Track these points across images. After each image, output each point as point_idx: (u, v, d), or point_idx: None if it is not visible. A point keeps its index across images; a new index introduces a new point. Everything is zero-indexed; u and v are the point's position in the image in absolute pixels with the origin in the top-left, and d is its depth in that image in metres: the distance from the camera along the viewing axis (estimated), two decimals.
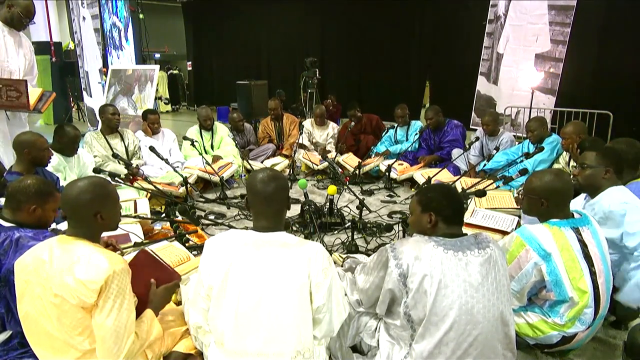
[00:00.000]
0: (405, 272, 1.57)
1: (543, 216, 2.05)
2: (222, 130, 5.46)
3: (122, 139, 4.56)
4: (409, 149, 5.23)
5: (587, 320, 1.94)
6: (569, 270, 1.90)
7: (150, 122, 4.94)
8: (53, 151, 3.30)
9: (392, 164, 4.80)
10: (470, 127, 7.13)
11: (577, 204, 2.57)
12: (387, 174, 4.79)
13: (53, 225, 2.50)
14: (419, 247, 1.59)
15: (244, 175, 5.17)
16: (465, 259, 1.57)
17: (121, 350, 1.51)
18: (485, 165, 4.44)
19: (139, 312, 1.70)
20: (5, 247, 1.82)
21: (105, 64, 8.65)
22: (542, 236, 1.93)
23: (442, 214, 1.70)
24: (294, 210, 3.51)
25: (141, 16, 8.54)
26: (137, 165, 4.50)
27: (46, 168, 3.17)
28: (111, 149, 4.40)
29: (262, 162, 5.39)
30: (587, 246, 1.94)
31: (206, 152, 5.17)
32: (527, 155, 3.71)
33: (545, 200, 2.00)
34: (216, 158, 5.04)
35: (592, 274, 1.92)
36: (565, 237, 1.93)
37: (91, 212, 1.62)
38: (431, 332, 1.55)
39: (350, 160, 5.25)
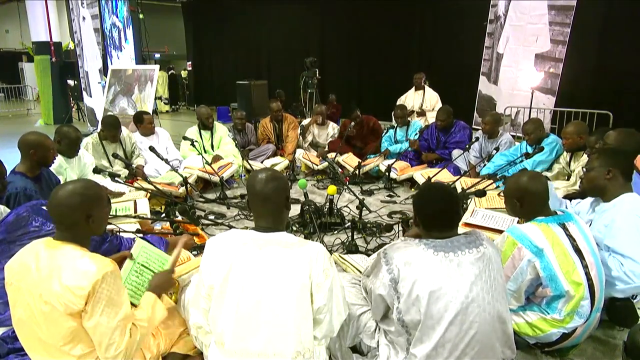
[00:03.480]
0: (396, 277, 1.58)
1: (523, 216, 2.12)
2: (221, 129, 5.47)
3: (120, 142, 4.54)
4: (409, 149, 5.23)
5: (585, 312, 1.97)
6: (562, 264, 1.93)
7: (148, 122, 4.94)
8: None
9: (392, 164, 4.80)
10: (472, 127, 7.14)
11: (583, 208, 2.58)
12: (387, 174, 4.79)
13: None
14: (409, 252, 1.59)
15: (244, 175, 5.17)
16: (456, 259, 1.57)
17: (119, 348, 1.50)
18: (484, 166, 4.44)
19: None
20: None
21: (105, 64, 8.66)
22: (532, 233, 1.96)
23: (421, 216, 1.71)
24: (294, 210, 3.51)
25: (141, 16, 8.54)
26: (138, 165, 4.50)
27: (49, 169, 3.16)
28: (105, 153, 4.39)
29: (262, 162, 5.39)
30: (576, 240, 1.98)
31: (206, 152, 5.17)
32: (527, 156, 3.71)
33: (518, 202, 2.07)
34: (216, 158, 5.04)
35: (584, 266, 1.96)
36: (554, 232, 1.97)
37: (82, 215, 1.58)
38: (428, 335, 1.55)
39: (350, 160, 5.25)
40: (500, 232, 2.96)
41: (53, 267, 1.50)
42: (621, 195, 2.25)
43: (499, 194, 3.62)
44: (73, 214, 1.57)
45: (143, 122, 4.94)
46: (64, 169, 3.60)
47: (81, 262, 1.50)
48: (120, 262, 1.87)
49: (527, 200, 2.05)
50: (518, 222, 3.06)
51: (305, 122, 6.12)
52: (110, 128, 4.40)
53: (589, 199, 2.57)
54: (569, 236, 1.98)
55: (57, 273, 1.48)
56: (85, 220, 1.59)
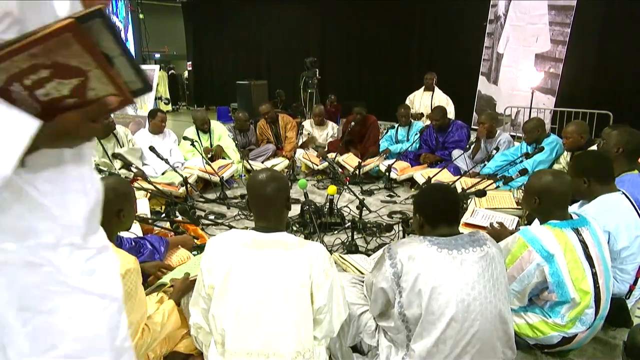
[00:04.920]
0: (399, 271, 1.59)
1: (539, 214, 2.09)
2: (219, 129, 5.46)
3: (117, 140, 4.54)
4: (409, 149, 5.23)
5: (588, 320, 1.94)
6: (572, 271, 1.90)
7: (160, 119, 4.97)
8: None
9: (392, 164, 4.80)
10: (472, 127, 7.15)
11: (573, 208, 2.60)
12: (387, 174, 4.79)
13: None
14: (413, 247, 1.61)
15: (244, 176, 5.17)
16: (460, 257, 1.57)
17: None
18: (484, 166, 4.44)
19: None
20: None
21: None
22: (544, 237, 1.92)
23: (425, 215, 1.73)
24: (294, 210, 3.51)
25: (141, 16, 8.55)
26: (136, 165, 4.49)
27: None
28: (105, 152, 4.38)
29: (262, 162, 5.39)
30: (588, 247, 1.95)
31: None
32: (527, 156, 3.72)
33: (538, 199, 2.02)
34: (219, 149, 5.08)
35: (593, 274, 1.93)
36: (567, 237, 1.93)
37: (114, 210, 1.65)
38: (429, 330, 1.56)
39: (350, 160, 5.25)
40: None
41: None
42: (597, 197, 2.29)
43: (519, 188, 3.64)
44: (107, 208, 1.61)
45: (155, 118, 4.97)
46: None
47: None
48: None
49: (547, 199, 2.01)
50: (518, 222, 3.08)
51: (305, 123, 6.12)
52: None
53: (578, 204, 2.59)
54: (582, 242, 1.94)
55: None
56: (116, 215, 1.66)
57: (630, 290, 2.31)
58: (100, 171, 3.60)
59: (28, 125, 0.73)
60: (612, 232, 2.18)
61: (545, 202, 2.01)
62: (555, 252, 1.89)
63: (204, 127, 5.30)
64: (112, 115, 4.53)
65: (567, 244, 1.91)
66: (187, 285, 1.93)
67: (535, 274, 1.92)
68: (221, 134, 5.42)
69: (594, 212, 2.22)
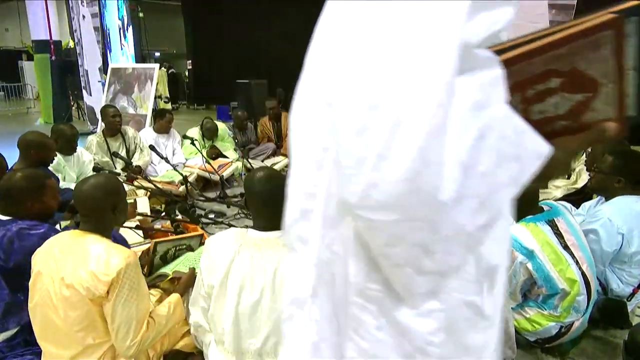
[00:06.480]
0: None
1: (515, 215, 2.10)
2: (221, 131, 5.47)
3: (124, 140, 4.53)
4: None
5: (581, 307, 1.99)
6: (555, 263, 1.94)
7: (167, 120, 4.99)
8: None
9: None
10: None
11: (590, 206, 2.58)
12: None
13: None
14: None
15: (244, 174, 5.16)
16: None
17: (134, 340, 1.56)
18: None
19: None
20: (9, 240, 1.80)
21: (105, 62, 8.66)
22: (521, 235, 1.97)
23: None
24: None
25: (141, 15, 8.53)
26: (137, 165, 4.47)
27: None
28: (109, 150, 4.38)
29: (262, 160, 5.39)
30: (564, 237, 1.98)
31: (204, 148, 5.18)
32: None
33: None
34: (213, 149, 5.13)
35: (576, 262, 1.97)
36: (543, 232, 1.97)
37: (108, 208, 1.66)
38: None
39: None
40: None
41: (79, 253, 1.56)
42: (616, 197, 2.27)
43: None
44: (101, 206, 1.66)
45: (163, 118, 5.00)
46: (62, 166, 3.59)
47: (107, 250, 1.56)
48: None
49: (518, 200, 2.02)
50: None
51: None
52: (107, 108, 4.47)
53: (595, 200, 2.57)
54: (557, 234, 1.98)
55: (83, 258, 1.53)
56: (111, 212, 1.68)
57: (633, 294, 2.31)
58: (100, 170, 3.59)
59: (541, 149, 0.59)
60: (626, 234, 2.16)
61: (517, 203, 2.03)
62: (534, 248, 1.93)
63: (210, 136, 5.32)
64: (115, 114, 4.49)
65: (543, 238, 1.95)
66: (194, 280, 1.94)
67: (520, 272, 1.97)
68: (223, 135, 5.43)
69: (610, 211, 2.21)
